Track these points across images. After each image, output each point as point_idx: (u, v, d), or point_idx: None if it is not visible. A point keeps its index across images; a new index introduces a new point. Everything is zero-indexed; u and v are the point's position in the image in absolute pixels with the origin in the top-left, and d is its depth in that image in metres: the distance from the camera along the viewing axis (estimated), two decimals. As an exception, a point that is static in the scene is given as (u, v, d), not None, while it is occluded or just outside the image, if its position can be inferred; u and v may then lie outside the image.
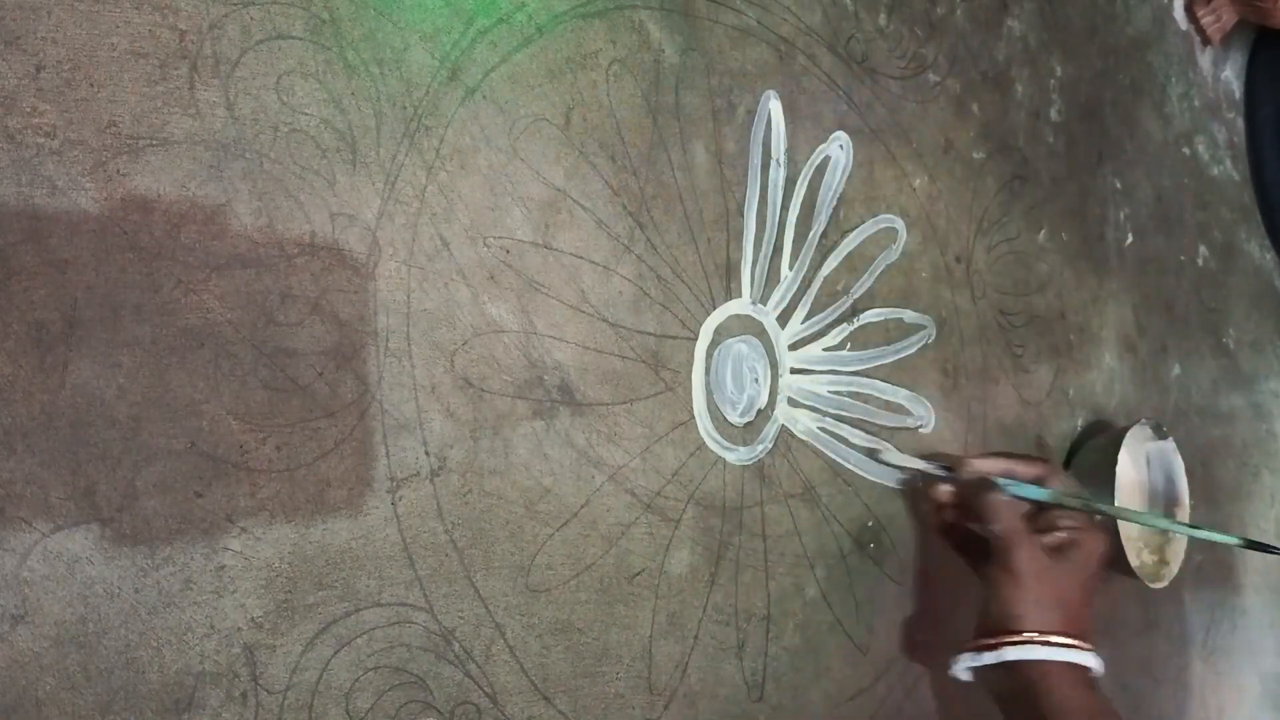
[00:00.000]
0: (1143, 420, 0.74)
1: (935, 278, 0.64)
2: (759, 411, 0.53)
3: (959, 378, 0.64)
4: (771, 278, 0.55)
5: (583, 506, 0.45)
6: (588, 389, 0.46)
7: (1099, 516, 0.56)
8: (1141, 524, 0.50)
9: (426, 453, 0.40)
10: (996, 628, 0.51)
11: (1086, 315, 0.78)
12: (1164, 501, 0.78)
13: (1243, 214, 1.02)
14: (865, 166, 0.60)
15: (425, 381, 0.40)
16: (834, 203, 0.58)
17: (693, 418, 0.50)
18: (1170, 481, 0.78)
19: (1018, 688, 0.50)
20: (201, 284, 0.35)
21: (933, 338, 0.63)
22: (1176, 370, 0.87)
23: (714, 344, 0.51)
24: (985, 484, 0.54)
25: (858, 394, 0.58)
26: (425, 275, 0.41)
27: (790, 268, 0.56)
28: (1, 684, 0.30)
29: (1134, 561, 0.71)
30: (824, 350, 0.57)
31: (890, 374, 0.60)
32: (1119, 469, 0.70)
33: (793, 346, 0.55)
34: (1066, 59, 0.80)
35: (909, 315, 0.62)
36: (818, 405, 0.56)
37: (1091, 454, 0.73)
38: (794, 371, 0.55)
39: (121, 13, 0.34)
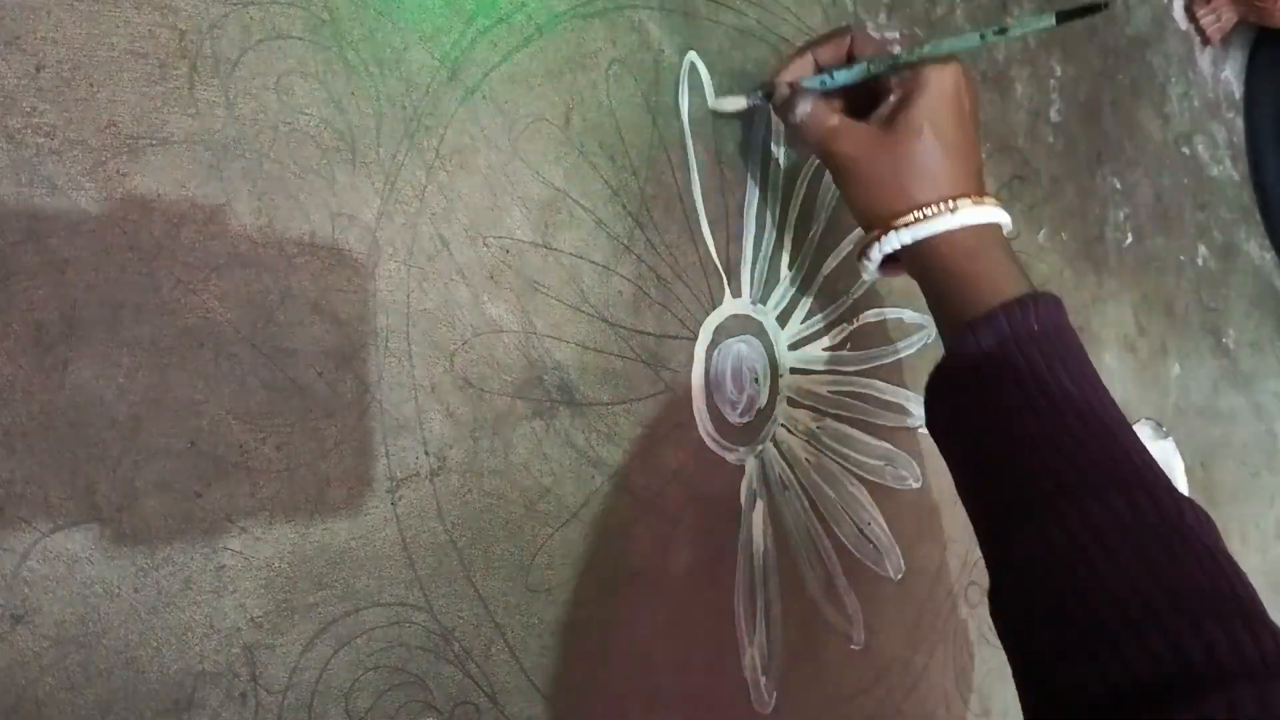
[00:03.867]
0: (1143, 420, 0.74)
1: (935, 278, 0.64)
2: (759, 411, 0.53)
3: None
4: (771, 277, 0.55)
5: (582, 506, 0.45)
6: (588, 389, 0.46)
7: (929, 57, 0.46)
8: (958, 49, 0.44)
9: (426, 453, 0.40)
10: (871, 223, 0.45)
11: (1086, 315, 0.78)
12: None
13: (1243, 214, 1.02)
14: (865, 166, 0.60)
15: (425, 381, 0.40)
16: (834, 202, 0.58)
17: (693, 418, 0.50)
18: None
19: (923, 274, 0.45)
20: (201, 284, 0.35)
21: (933, 338, 0.63)
22: (1176, 370, 0.87)
23: (714, 344, 0.51)
24: (796, 93, 0.47)
25: (858, 394, 0.58)
26: (425, 275, 0.41)
27: (790, 267, 0.56)
28: (1, 684, 0.30)
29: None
30: (824, 350, 0.57)
31: (890, 374, 0.60)
32: (1119, 469, 0.70)
33: (792, 346, 0.55)
34: (1066, 59, 0.80)
35: (909, 315, 0.62)
36: (817, 405, 0.56)
37: (1091, 454, 0.73)
38: (794, 371, 0.55)
39: (121, 12, 0.34)
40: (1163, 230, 0.89)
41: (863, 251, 0.46)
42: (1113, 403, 0.40)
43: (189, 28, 0.36)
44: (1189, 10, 0.97)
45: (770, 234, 0.55)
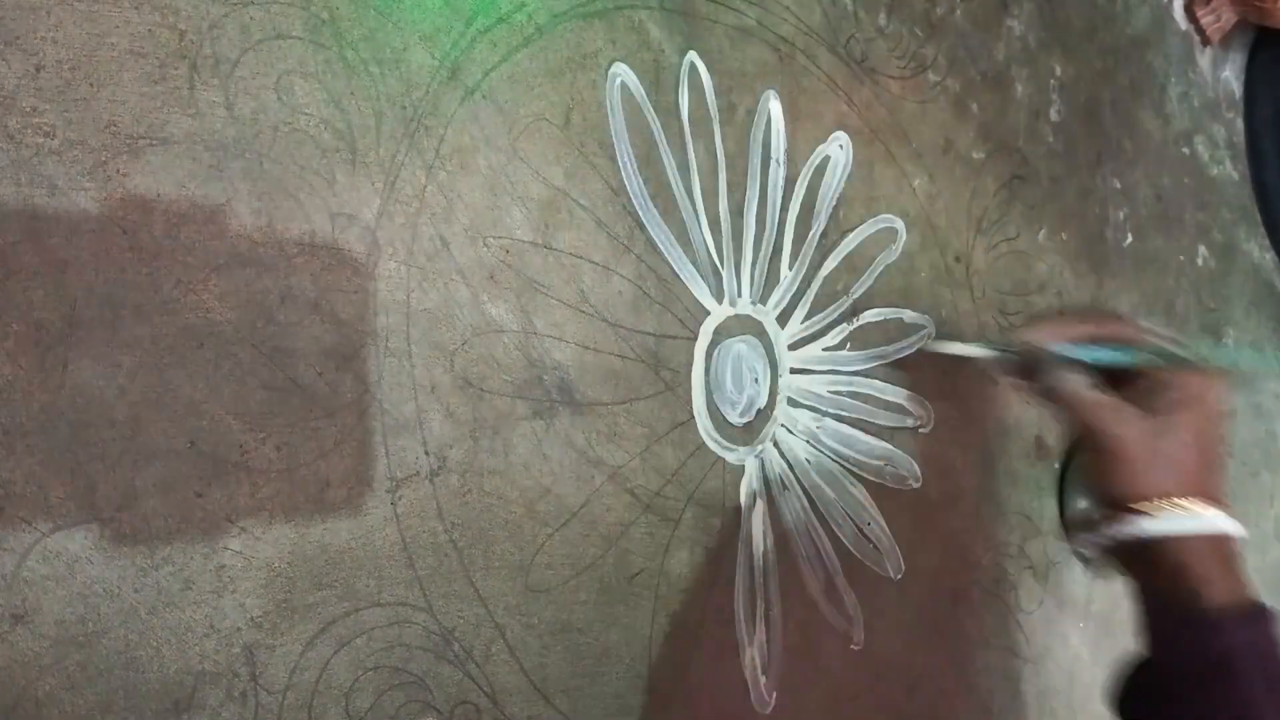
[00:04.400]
0: (1143, 420, 0.74)
1: (935, 278, 0.64)
2: (759, 411, 0.53)
3: (959, 378, 0.64)
4: (771, 278, 0.55)
5: (583, 506, 0.45)
6: (588, 389, 0.46)
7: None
8: (1258, 368, 0.45)
9: (426, 452, 0.40)
10: (1111, 504, 0.45)
11: (1086, 315, 0.78)
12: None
13: (1243, 214, 1.02)
14: (865, 166, 0.60)
15: (425, 381, 0.40)
16: (834, 203, 0.58)
17: (692, 418, 0.50)
18: (1170, 481, 0.78)
19: (1150, 566, 0.44)
20: (201, 284, 0.35)
21: (933, 338, 0.63)
22: (1176, 370, 0.87)
23: (714, 344, 0.51)
24: (1043, 357, 0.47)
25: (857, 394, 0.58)
26: (425, 275, 0.41)
27: (790, 268, 0.56)
28: (1, 684, 0.30)
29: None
30: (824, 350, 0.57)
31: (890, 374, 0.60)
32: (1119, 469, 0.70)
33: (792, 346, 0.55)
34: (1066, 59, 0.80)
35: (909, 315, 0.62)
36: (817, 405, 0.56)
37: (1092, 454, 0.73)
38: (794, 371, 0.55)
39: (121, 13, 0.34)
40: (1163, 230, 0.89)
41: (1092, 524, 0.46)
42: None
43: (189, 28, 0.36)
44: (1189, 10, 0.97)
45: (770, 234, 0.55)
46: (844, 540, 0.56)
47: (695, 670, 0.48)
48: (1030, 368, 0.48)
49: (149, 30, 0.35)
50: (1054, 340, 0.48)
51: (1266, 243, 1.04)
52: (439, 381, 0.41)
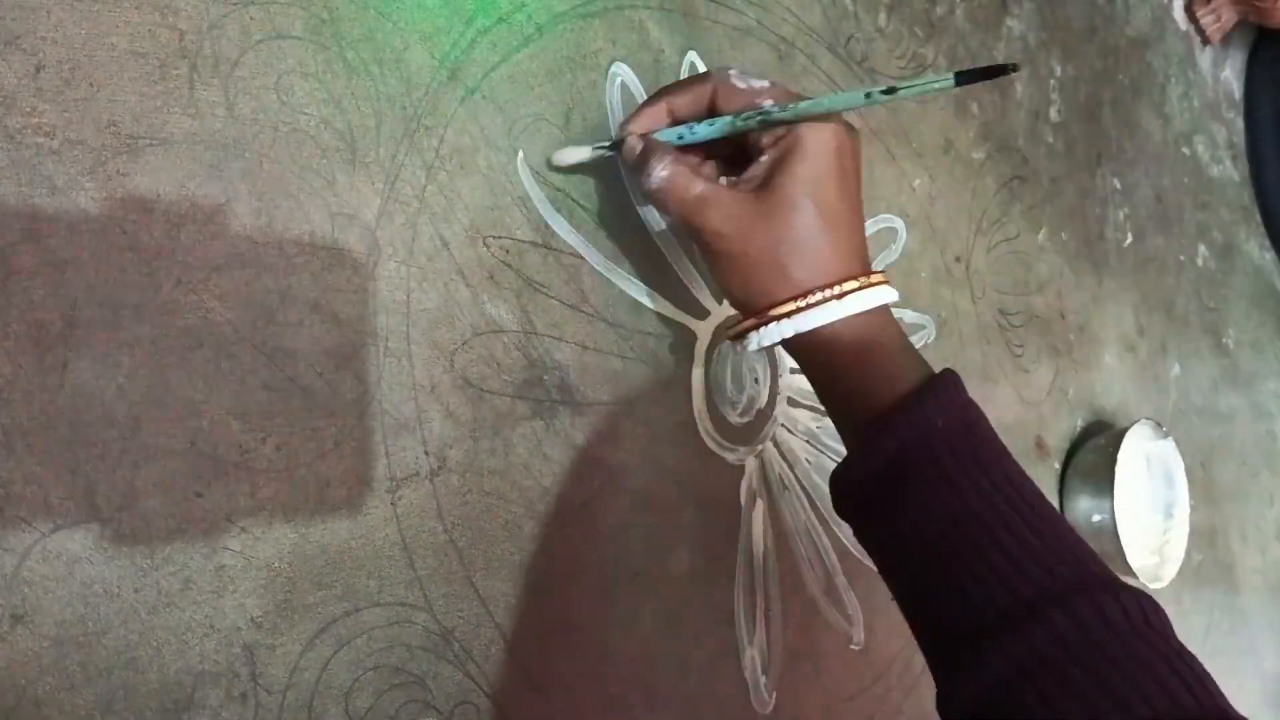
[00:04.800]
0: (1142, 420, 0.74)
1: (935, 278, 0.64)
2: (759, 411, 0.53)
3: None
4: (771, 278, 0.55)
5: (582, 506, 0.45)
6: (588, 389, 0.46)
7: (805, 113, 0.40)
8: (839, 108, 0.39)
9: (426, 453, 0.40)
10: (746, 308, 0.40)
11: (1086, 315, 0.78)
12: (1164, 501, 0.78)
13: (1243, 214, 1.02)
14: (865, 166, 0.60)
15: (425, 381, 0.40)
16: (834, 203, 0.58)
17: (693, 418, 0.50)
18: (1170, 481, 0.78)
19: (809, 363, 0.40)
20: (201, 284, 0.35)
21: (933, 338, 0.63)
22: (1176, 370, 0.87)
23: (714, 344, 0.51)
24: (650, 149, 0.40)
25: (857, 394, 0.58)
26: (425, 275, 0.41)
27: (790, 268, 0.56)
28: (1, 684, 0.30)
29: (1134, 562, 0.71)
30: (824, 350, 0.57)
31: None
32: (1119, 469, 0.70)
33: (792, 346, 0.56)
34: (1066, 59, 0.80)
35: (909, 315, 0.62)
36: (817, 405, 0.56)
37: (1091, 454, 0.73)
38: (794, 371, 0.55)
39: (121, 12, 0.34)
40: (1163, 230, 0.89)
41: (736, 336, 0.40)
42: (1032, 483, 0.36)
43: (189, 28, 0.36)
44: (1189, 10, 0.97)
45: (770, 234, 0.55)
46: (844, 540, 0.56)
47: (695, 670, 0.48)
48: (637, 159, 0.40)
49: (149, 30, 0.35)
50: (645, 127, 0.41)
51: (1266, 243, 1.04)
52: (439, 381, 0.41)
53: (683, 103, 0.41)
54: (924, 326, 0.62)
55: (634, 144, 0.40)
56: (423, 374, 0.40)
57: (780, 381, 0.55)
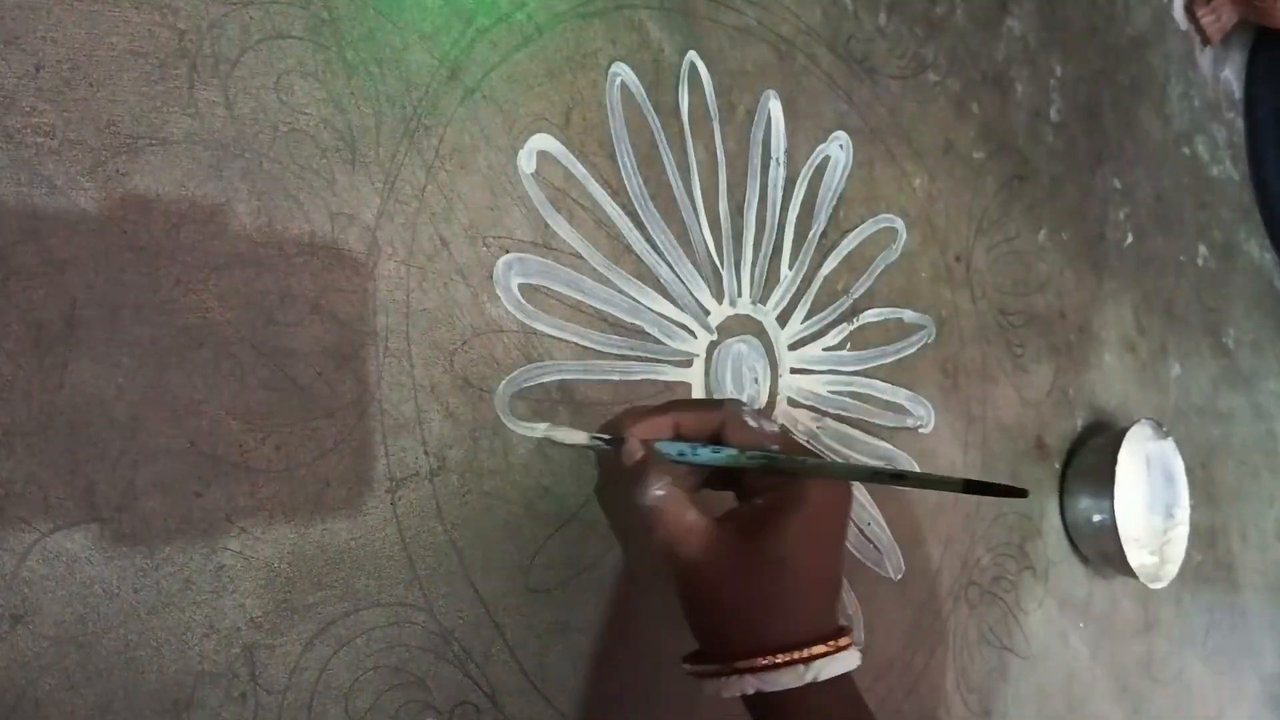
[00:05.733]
0: (1143, 420, 0.74)
1: (935, 277, 0.64)
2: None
3: (959, 378, 0.64)
4: (771, 278, 0.55)
5: (582, 506, 0.45)
6: (588, 389, 0.46)
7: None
8: (845, 477, 0.38)
9: (426, 453, 0.40)
10: (709, 648, 0.38)
11: (1086, 315, 0.78)
12: (1164, 501, 0.78)
13: (1243, 214, 1.02)
14: (865, 166, 0.60)
15: (425, 381, 0.40)
16: (834, 202, 0.58)
17: (692, 418, 0.50)
18: (1170, 481, 0.78)
19: (762, 714, 0.37)
20: (201, 284, 0.35)
21: (933, 338, 0.63)
22: (1176, 370, 0.87)
23: (714, 344, 0.51)
24: (649, 463, 0.39)
25: (857, 394, 0.58)
26: (425, 275, 0.41)
27: (790, 267, 0.56)
28: (1, 684, 0.30)
29: (1134, 562, 0.71)
30: (824, 350, 0.57)
31: (890, 374, 0.60)
32: (1119, 469, 0.70)
33: (792, 346, 0.55)
34: (1066, 59, 0.80)
35: (909, 315, 0.62)
36: (817, 405, 0.56)
37: (1091, 454, 0.73)
38: (794, 371, 0.55)
39: (121, 12, 0.34)
40: (1163, 230, 0.89)
41: (697, 674, 0.38)
42: None
43: (189, 28, 0.36)
44: (1189, 10, 0.97)
45: (770, 234, 0.55)
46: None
47: (695, 670, 0.48)
48: (634, 468, 0.39)
49: (149, 30, 0.35)
50: (648, 434, 0.40)
51: (1267, 243, 1.04)
52: (439, 381, 0.41)
53: (690, 422, 0.40)
54: (924, 326, 0.62)
55: (634, 449, 0.39)
56: (422, 374, 0.40)
57: (780, 381, 0.55)
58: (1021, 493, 0.35)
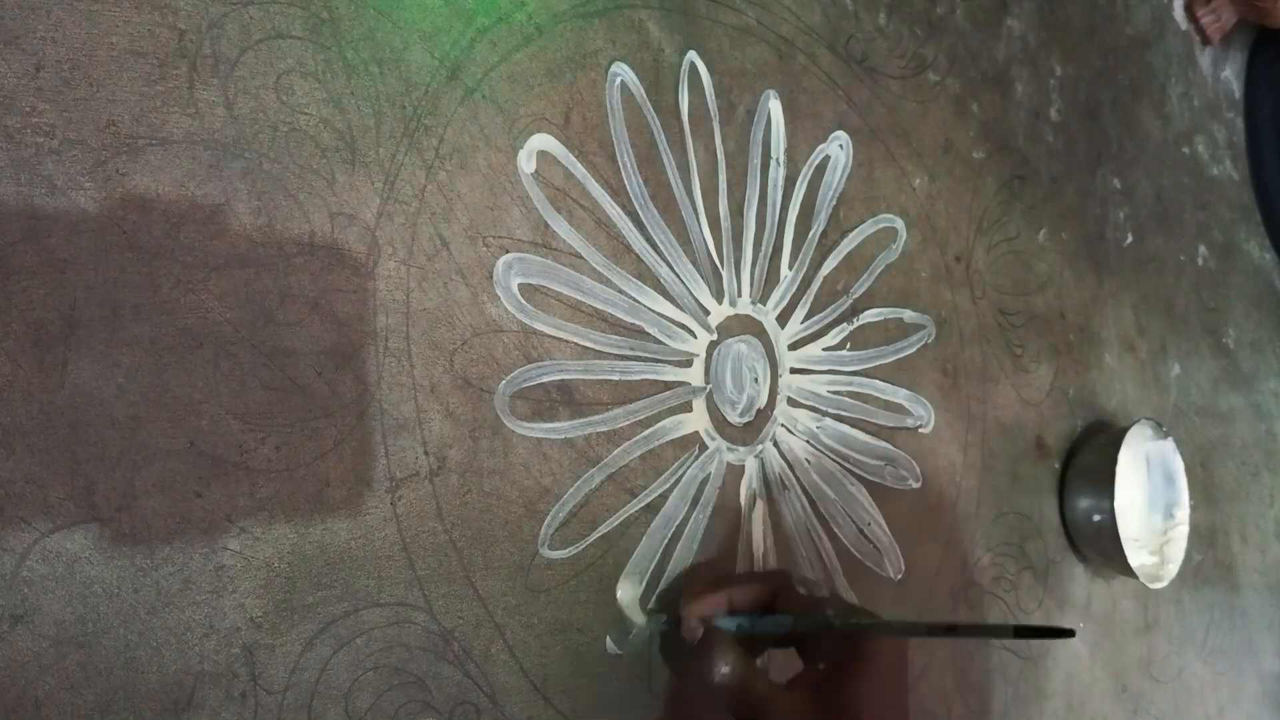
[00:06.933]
0: (1142, 420, 0.74)
1: (935, 277, 0.64)
2: (759, 411, 0.53)
3: (959, 377, 0.64)
4: (771, 277, 0.55)
5: (582, 506, 0.45)
6: (588, 389, 0.46)
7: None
8: (900, 635, 0.40)
9: (426, 452, 0.40)
10: None
11: (1086, 315, 0.78)
12: (1164, 501, 0.78)
13: (1243, 214, 1.02)
14: (865, 166, 0.60)
15: (425, 381, 0.40)
16: (834, 202, 0.58)
17: (693, 418, 0.50)
18: (1170, 481, 0.78)
19: None
20: (201, 284, 0.35)
21: (932, 337, 0.63)
22: (1176, 370, 0.87)
23: (714, 344, 0.51)
24: (712, 639, 0.40)
25: (857, 394, 0.58)
26: (425, 275, 0.41)
27: (790, 267, 0.56)
28: (1, 684, 0.30)
29: (1134, 562, 0.71)
30: (824, 350, 0.57)
31: (890, 374, 0.60)
32: (1119, 469, 0.70)
33: (792, 346, 0.55)
34: (1066, 59, 0.80)
35: (909, 315, 0.62)
36: (817, 405, 0.56)
37: (1091, 454, 0.73)
38: (794, 371, 0.55)
39: (121, 12, 0.34)
40: (1163, 230, 0.89)
41: None
42: None
43: (189, 28, 0.36)
44: (1189, 10, 0.97)
45: (770, 233, 0.55)
46: (844, 540, 0.56)
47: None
48: (699, 647, 0.40)
49: (149, 30, 0.35)
50: (705, 612, 0.41)
51: (1266, 243, 1.04)
52: (439, 381, 0.41)
53: (743, 597, 0.42)
54: (924, 326, 0.62)
55: (694, 628, 0.41)
56: (422, 374, 0.40)
57: (780, 381, 0.55)
58: (1069, 633, 0.37)
